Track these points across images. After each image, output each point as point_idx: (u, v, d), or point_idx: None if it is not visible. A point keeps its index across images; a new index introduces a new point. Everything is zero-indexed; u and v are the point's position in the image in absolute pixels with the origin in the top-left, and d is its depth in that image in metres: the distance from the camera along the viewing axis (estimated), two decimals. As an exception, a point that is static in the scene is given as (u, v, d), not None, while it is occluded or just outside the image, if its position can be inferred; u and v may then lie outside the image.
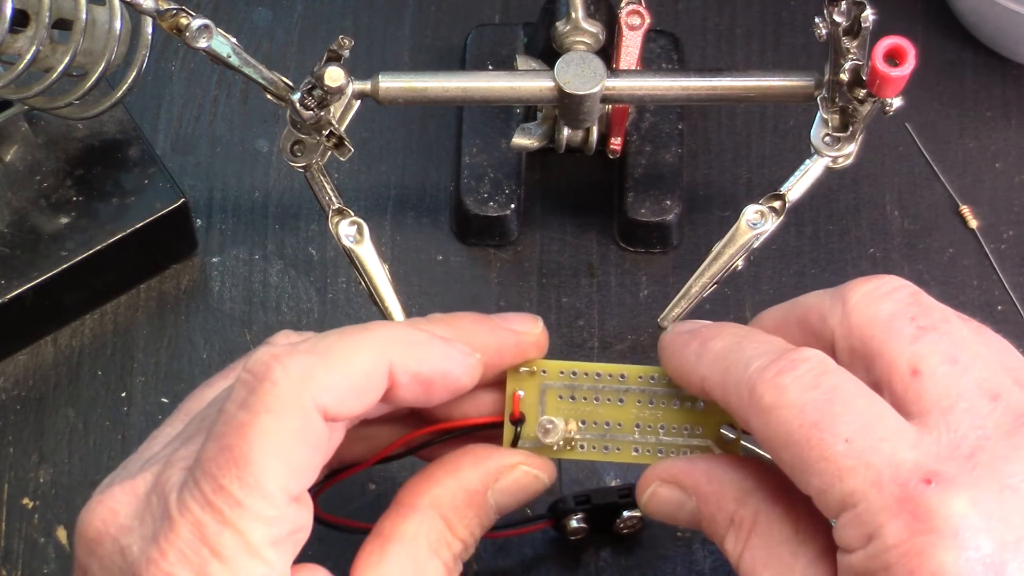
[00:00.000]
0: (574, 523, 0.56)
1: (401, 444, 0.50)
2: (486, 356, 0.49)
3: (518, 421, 0.50)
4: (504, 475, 0.49)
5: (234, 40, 0.56)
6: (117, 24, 0.58)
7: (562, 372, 0.51)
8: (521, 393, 0.50)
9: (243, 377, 0.44)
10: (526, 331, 0.51)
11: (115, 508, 0.45)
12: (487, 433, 0.51)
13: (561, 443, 0.50)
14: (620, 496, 0.56)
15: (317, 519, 0.46)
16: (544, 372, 0.51)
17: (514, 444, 0.50)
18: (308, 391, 0.44)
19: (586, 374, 0.51)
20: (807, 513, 0.45)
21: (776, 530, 0.46)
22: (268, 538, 0.43)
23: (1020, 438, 0.42)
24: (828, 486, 0.42)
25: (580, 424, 0.50)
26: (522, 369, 0.51)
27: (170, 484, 0.44)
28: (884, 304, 0.45)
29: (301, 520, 0.44)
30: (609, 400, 0.51)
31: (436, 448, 0.51)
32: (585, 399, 0.51)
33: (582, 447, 0.50)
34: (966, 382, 0.43)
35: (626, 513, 0.57)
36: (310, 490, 0.49)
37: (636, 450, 0.51)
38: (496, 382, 0.51)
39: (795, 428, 0.43)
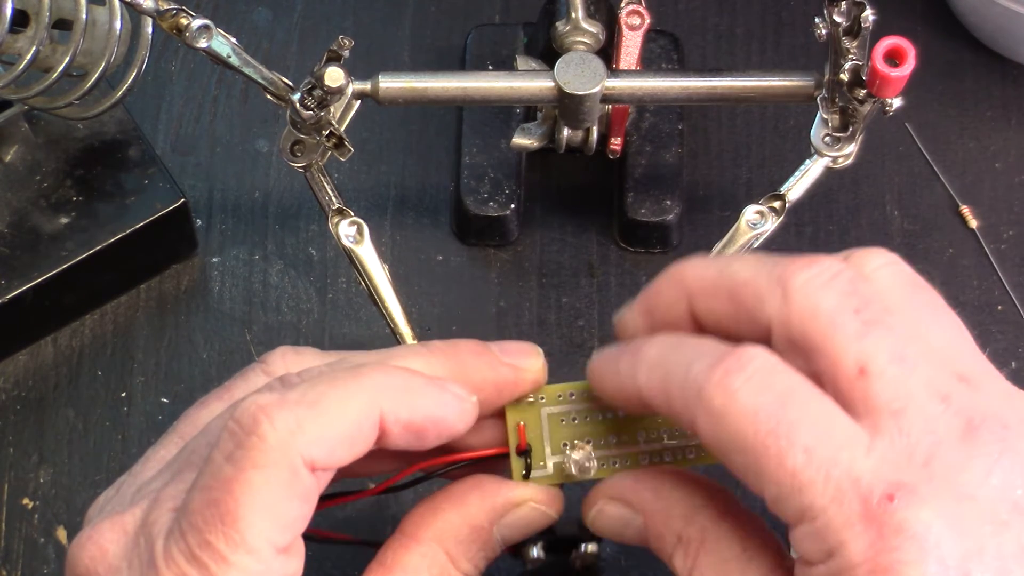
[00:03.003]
0: (534, 552, 0.53)
1: (403, 476, 0.50)
2: (482, 391, 0.48)
3: (525, 452, 0.50)
4: (511, 511, 0.49)
5: (234, 40, 0.56)
6: (117, 24, 0.58)
7: (560, 396, 0.50)
8: (523, 423, 0.50)
9: (230, 427, 0.43)
10: (526, 367, 0.49)
11: (104, 546, 0.45)
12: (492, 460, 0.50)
13: (580, 467, 0.50)
14: (581, 528, 0.53)
15: (309, 536, 0.45)
16: (543, 399, 0.50)
17: (526, 476, 0.50)
18: (296, 446, 0.43)
19: (584, 393, 0.50)
20: (756, 530, 0.45)
21: (724, 548, 0.45)
22: None
23: (971, 445, 0.41)
24: (786, 496, 0.41)
25: (587, 443, 0.50)
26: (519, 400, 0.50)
27: (157, 527, 0.44)
28: (826, 295, 0.43)
29: (289, 569, 0.44)
30: (610, 414, 0.50)
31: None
32: (588, 418, 0.50)
33: (592, 467, 0.50)
34: (915, 383, 0.42)
35: (584, 546, 0.55)
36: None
37: (645, 459, 0.50)
38: (496, 412, 0.50)
39: (750, 435, 0.41)
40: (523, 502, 0.49)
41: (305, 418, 0.43)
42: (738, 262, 0.46)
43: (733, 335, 0.45)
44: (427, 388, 0.47)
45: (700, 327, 0.47)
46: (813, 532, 0.41)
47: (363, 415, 0.45)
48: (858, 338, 0.42)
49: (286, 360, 0.49)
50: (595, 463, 0.49)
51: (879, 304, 0.43)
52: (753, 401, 0.42)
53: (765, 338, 0.44)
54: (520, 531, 0.49)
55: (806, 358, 0.43)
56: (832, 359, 0.42)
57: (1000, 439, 0.41)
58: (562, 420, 0.50)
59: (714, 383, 0.42)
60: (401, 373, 0.46)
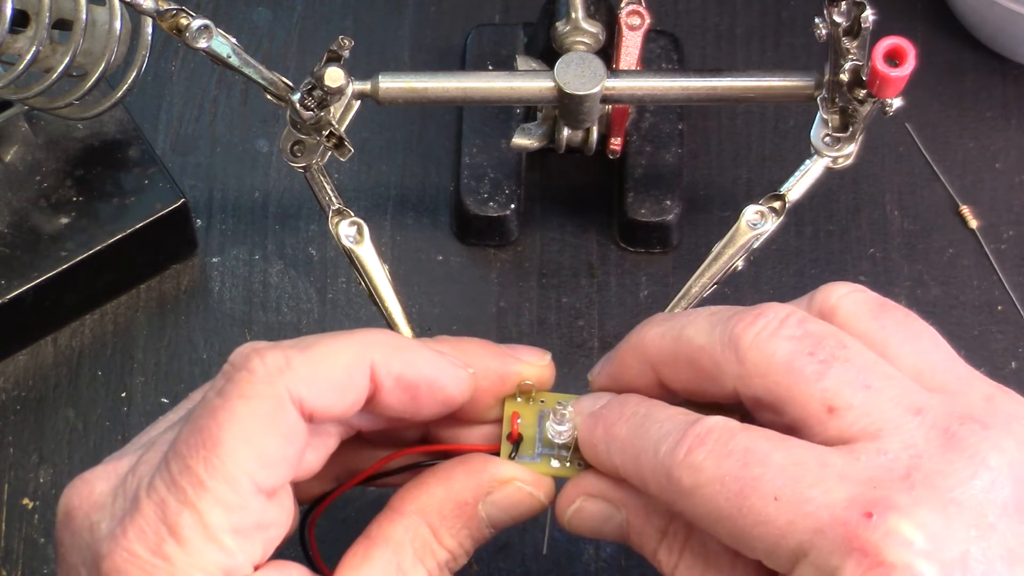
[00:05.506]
0: None
1: (394, 458, 0.50)
2: (486, 379, 0.49)
3: (516, 442, 0.50)
4: (497, 489, 0.49)
5: (234, 40, 0.56)
6: (117, 24, 0.58)
7: (560, 403, 0.50)
8: (519, 421, 0.50)
9: (224, 367, 0.45)
10: (532, 362, 0.50)
11: (94, 484, 0.45)
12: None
13: (561, 458, 0.50)
14: None
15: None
16: (543, 401, 0.50)
17: (512, 459, 0.50)
18: (283, 381, 0.44)
19: None
20: None
21: (712, 542, 0.45)
22: (228, 524, 0.43)
23: (953, 450, 0.41)
24: (773, 547, 0.41)
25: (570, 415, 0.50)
26: (519, 398, 0.50)
27: (147, 467, 0.44)
28: (778, 345, 0.44)
29: (271, 516, 0.44)
30: None
31: None
32: None
33: (580, 465, 0.50)
34: (885, 403, 0.42)
35: None
36: (312, 506, 0.49)
37: None
38: (499, 413, 0.50)
39: (722, 503, 0.42)
40: (509, 480, 0.49)
41: (295, 358, 0.44)
42: (691, 326, 0.46)
43: (703, 397, 0.47)
44: (421, 349, 0.48)
45: (671, 391, 0.48)
46: (809, 567, 0.41)
47: (353, 361, 0.46)
48: (818, 379, 0.43)
49: None
50: (568, 432, 0.49)
51: (833, 339, 0.44)
52: (717, 471, 0.42)
53: (735, 399, 0.45)
54: (508, 512, 0.49)
55: (776, 412, 0.44)
56: (800, 406, 0.43)
57: (983, 439, 0.42)
58: None
59: (679, 463, 0.43)
60: (394, 334, 0.48)
